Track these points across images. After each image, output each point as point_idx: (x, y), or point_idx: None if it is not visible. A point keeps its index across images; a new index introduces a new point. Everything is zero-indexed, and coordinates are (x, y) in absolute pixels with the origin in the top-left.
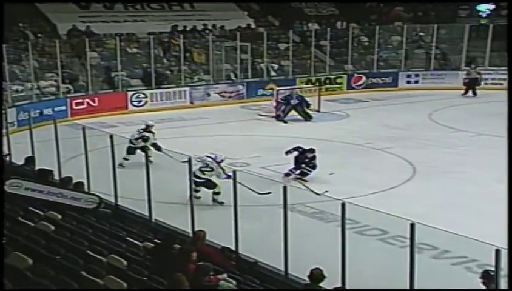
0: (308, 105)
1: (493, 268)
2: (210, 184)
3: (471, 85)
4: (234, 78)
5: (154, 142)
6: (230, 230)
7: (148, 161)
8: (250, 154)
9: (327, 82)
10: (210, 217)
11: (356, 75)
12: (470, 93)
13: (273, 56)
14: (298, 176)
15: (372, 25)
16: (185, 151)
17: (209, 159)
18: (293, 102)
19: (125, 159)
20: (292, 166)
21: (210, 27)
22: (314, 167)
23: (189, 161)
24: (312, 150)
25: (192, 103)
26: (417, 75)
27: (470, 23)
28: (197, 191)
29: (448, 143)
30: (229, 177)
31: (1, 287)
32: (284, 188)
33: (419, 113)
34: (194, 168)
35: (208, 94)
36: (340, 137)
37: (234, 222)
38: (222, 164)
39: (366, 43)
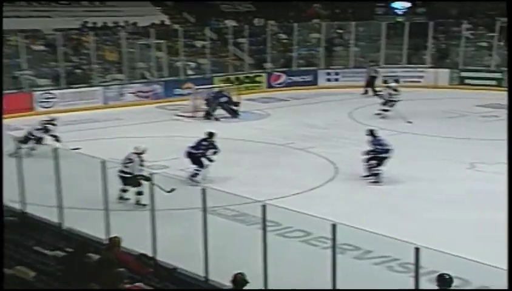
0: (236, 104)
1: (447, 272)
2: (134, 181)
3: (370, 83)
4: (149, 77)
5: (54, 134)
6: (148, 236)
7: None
8: (169, 156)
9: (247, 80)
10: (127, 222)
11: (275, 73)
12: (370, 92)
13: (190, 54)
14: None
15: (290, 22)
16: (99, 154)
17: (131, 153)
18: (223, 99)
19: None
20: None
21: (122, 24)
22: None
23: (103, 163)
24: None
25: (105, 103)
26: (336, 73)
27: (387, 21)
28: (125, 191)
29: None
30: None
31: (1, 287)
32: (203, 190)
33: (340, 111)
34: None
35: (122, 94)
36: (260, 137)
37: (151, 226)
38: (143, 156)
39: (285, 41)
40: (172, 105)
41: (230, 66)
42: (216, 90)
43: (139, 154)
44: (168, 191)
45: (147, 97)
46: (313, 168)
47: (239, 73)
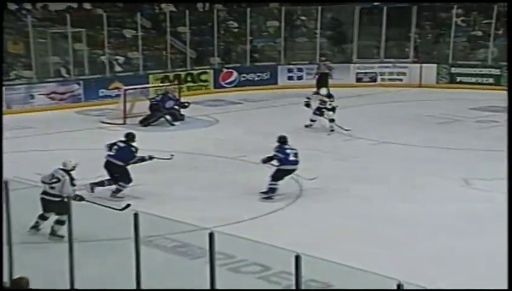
0: (186, 105)
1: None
2: (61, 206)
3: (322, 81)
4: (66, 75)
5: None
6: (66, 273)
7: None
8: (94, 174)
9: (189, 79)
10: (40, 258)
11: (225, 70)
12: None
13: (118, 46)
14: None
15: (242, 7)
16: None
17: (57, 169)
18: (170, 103)
19: None
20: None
21: (28, 7)
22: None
23: (5, 184)
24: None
25: (8, 107)
26: (300, 70)
27: (360, 5)
28: (45, 218)
29: (342, 154)
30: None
31: (1, 287)
32: (135, 215)
33: (304, 116)
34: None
35: (32, 96)
36: (206, 148)
37: (69, 262)
38: (73, 173)
39: (236, 30)
40: (96, 110)
41: (168, 62)
42: (161, 92)
43: (68, 171)
44: (121, 209)
45: (63, 99)
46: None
47: (180, 69)
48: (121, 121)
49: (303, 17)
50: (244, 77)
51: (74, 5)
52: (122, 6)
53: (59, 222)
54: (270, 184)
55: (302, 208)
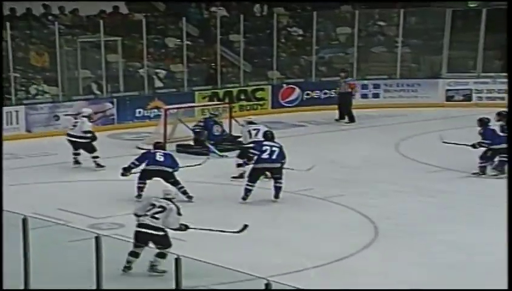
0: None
1: None
2: (163, 239)
3: (343, 104)
4: (97, 91)
5: None
6: None
7: None
8: (125, 210)
9: (243, 96)
10: None
11: (286, 86)
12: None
13: (159, 57)
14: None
15: (307, 10)
16: (19, 208)
17: (157, 198)
18: (217, 130)
19: None
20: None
21: (55, 12)
22: None
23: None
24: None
25: (28, 131)
26: (376, 86)
27: (453, 7)
28: (137, 255)
29: (427, 189)
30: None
31: (1, 287)
32: (177, 261)
33: (381, 142)
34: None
35: (57, 117)
36: (264, 181)
37: None
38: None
39: (300, 38)
40: (131, 133)
41: (218, 76)
42: (206, 115)
43: (171, 199)
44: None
45: (93, 121)
46: (341, 228)
47: (232, 85)
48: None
49: (380, 23)
50: (308, 94)
51: (109, 8)
52: (165, 11)
53: (161, 256)
54: (246, 185)
55: (377, 255)
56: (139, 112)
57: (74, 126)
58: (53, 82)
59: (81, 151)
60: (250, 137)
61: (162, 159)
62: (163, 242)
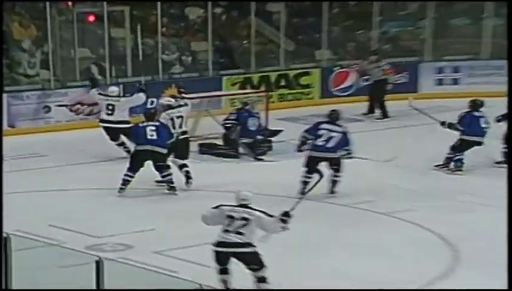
0: (275, 133)
1: None
2: (256, 257)
3: (374, 94)
4: (99, 76)
5: None
6: None
7: None
8: (135, 226)
9: (283, 83)
10: None
11: (338, 70)
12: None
13: (177, 32)
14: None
15: None
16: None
17: (232, 208)
18: (253, 124)
19: None
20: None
21: None
22: None
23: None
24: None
25: (11, 126)
26: (456, 69)
27: None
28: (226, 271)
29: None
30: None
31: (0, 287)
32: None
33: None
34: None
35: (47, 109)
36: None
37: None
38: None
39: (357, 9)
40: None
41: (252, 57)
42: (238, 104)
43: (246, 206)
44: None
45: (93, 113)
46: (407, 251)
47: (269, 69)
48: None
49: None
50: (367, 80)
51: None
52: None
53: (261, 280)
54: (302, 176)
55: (458, 285)
56: (152, 102)
57: (111, 110)
58: (43, 64)
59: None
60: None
61: (154, 135)
62: (254, 261)
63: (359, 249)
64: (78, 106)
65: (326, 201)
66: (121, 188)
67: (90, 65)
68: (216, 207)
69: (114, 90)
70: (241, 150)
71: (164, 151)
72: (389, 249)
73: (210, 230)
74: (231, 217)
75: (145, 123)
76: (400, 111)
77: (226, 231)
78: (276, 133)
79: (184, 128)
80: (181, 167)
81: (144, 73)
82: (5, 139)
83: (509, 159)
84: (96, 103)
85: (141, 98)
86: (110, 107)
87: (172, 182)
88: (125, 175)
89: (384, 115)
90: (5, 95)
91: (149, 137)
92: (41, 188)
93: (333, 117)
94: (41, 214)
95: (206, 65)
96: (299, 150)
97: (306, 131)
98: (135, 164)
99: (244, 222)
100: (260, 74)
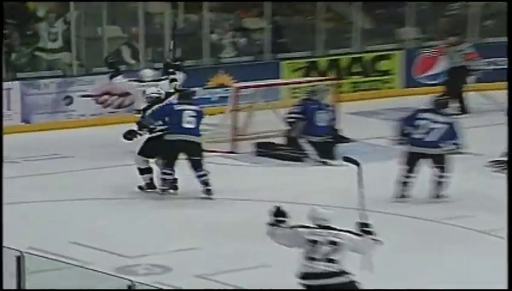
0: (339, 139)
1: None
2: (353, 289)
3: (453, 83)
4: (131, 60)
5: None
6: None
7: None
8: (173, 244)
9: (356, 69)
10: None
11: (426, 53)
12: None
13: (225, 7)
14: None
15: None
16: (12, 239)
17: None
18: (321, 118)
19: None
20: None
21: None
22: None
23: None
24: None
25: (26, 121)
26: None
27: None
28: None
29: None
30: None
31: (1, 287)
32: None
33: None
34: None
35: (69, 100)
36: (387, 202)
37: None
38: None
39: None
40: None
41: (318, 37)
42: (306, 94)
43: (323, 226)
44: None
45: (123, 106)
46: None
47: (339, 52)
48: (228, 146)
49: None
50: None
51: None
52: None
53: None
54: (401, 176)
55: None
56: (197, 92)
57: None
58: (64, 47)
59: None
60: None
61: (192, 123)
62: None
63: (449, 274)
64: (106, 96)
65: (412, 214)
66: (163, 190)
67: (120, 46)
68: (291, 227)
69: (148, 72)
70: (307, 150)
71: (202, 142)
72: (485, 275)
73: (263, 248)
74: (313, 241)
75: (182, 106)
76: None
77: (312, 259)
78: (343, 139)
79: None
80: (143, 171)
81: (181, 55)
82: (18, 136)
83: (509, 159)
84: (127, 93)
85: (182, 79)
86: (150, 94)
87: (209, 184)
88: (162, 173)
89: (463, 110)
90: (17, 83)
91: (185, 125)
92: (60, 196)
93: (438, 106)
94: (61, 229)
95: (262, 46)
96: (401, 143)
97: (403, 120)
98: (170, 158)
99: (333, 246)
100: (328, 58)
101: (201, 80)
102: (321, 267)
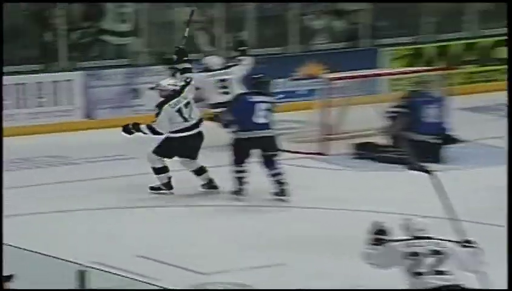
0: (453, 140)
1: None
2: None
3: None
4: (207, 47)
5: None
6: None
7: None
8: (256, 260)
9: (470, 57)
10: None
11: None
12: None
13: None
14: None
15: None
16: (72, 252)
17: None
18: (429, 114)
19: None
20: None
21: None
22: None
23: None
24: None
25: (90, 117)
26: None
27: None
28: None
29: None
30: None
31: (1, 287)
32: None
33: None
34: None
35: (135, 93)
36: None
37: None
38: None
39: None
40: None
41: (425, 20)
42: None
43: (421, 237)
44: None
45: (199, 100)
46: None
47: (450, 36)
48: (318, 146)
49: None
50: None
51: None
52: None
53: None
54: None
55: None
56: (280, 85)
57: (226, 86)
58: (131, 31)
59: None
60: None
61: (265, 118)
62: None
63: None
64: None
65: None
66: (237, 192)
67: (195, 31)
68: (378, 242)
69: (216, 60)
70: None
71: (275, 136)
72: None
73: (358, 267)
74: (414, 254)
75: (254, 98)
76: None
77: (418, 274)
78: (454, 140)
79: (197, 117)
80: (199, 172)
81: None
82: (81, 133)
83: (509, 159)
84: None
85: (249, 66)
86: (224, 83)
87: (283, 184)
88: (236, 172)
89: None
90: (78, 73)
91: (257, 120)
92: (126, 203)
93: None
94: (126, 241)
95: (355, 31)
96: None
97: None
98: (242, 156)
99: (437, 256)
100: (437, 44)
101: (287, 70)
102: (433, 280)
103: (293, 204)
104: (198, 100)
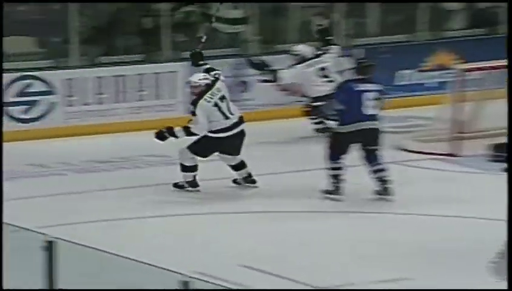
0: None
1: None
2: None
3: None
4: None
5: None
6: None
7: None
8: (379, 274)
9: None
10: None
11: None
12: None
13: None
14: None
15: None
16: (170, 260)
17: None
18: None
19: None
20: None
21: None
22: None
23: None
24: None
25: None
26: None
27: None
28: None
29: None
30: None
31: (1, 287)
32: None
33: None
34: None
35: (244, 86)
36: None
37: None
38: None
39: None
40: (389, 119)
41: None
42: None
43: None
44: None
45: (307, 95)
46: None
47: None
48: (448, 146)
49: None
50: None
51: None
52: None
53: None
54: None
55: None
56: (406, 77)
57: (328, 75)
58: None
59: None
60: None
61: (373, 107)
62: None
63: None
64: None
65: None
66: (333, 191)
67: (310, 17)
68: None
69: (308, 49)
70: None
71: (381, 128)
72: None
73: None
74: None
75: (361, 86)
76: None
77: None
78: None
79: (237, 114)
80: (238, 167)
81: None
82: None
83: (509, 159)
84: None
85: (336, 55)
86: (325, 72)
87: (387, 182)
88: (332, 169)
89: None
90: (179, 65)
91: (366, 110)
92: (226, 208)
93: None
94: (226, 248)
95: (496, 16)
96: None
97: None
98: (340, 151)
99: None
100: None
101: (415, 60)
102: None
103: (420, 212)
104: (296, 94)
